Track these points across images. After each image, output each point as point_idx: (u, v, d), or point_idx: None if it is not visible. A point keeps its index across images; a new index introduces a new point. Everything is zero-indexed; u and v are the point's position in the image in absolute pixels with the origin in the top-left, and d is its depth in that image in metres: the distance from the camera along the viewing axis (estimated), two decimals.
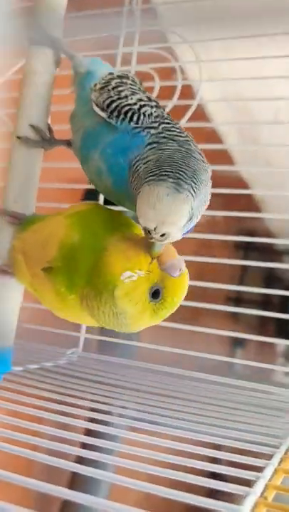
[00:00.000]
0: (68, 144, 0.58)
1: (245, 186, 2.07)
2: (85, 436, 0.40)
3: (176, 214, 0.40)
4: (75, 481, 1.17)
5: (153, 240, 0.41)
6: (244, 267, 2.47)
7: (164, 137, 0.45)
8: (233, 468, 0.35)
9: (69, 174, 0.80)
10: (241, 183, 2.03)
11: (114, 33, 0.77)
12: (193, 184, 0.41)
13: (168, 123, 0.48)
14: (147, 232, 0.41)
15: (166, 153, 0.43)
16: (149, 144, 0.45)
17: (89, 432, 0.45)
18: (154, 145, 0.45)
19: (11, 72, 0.78)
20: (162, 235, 0.41)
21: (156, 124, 0.47)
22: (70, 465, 0.34)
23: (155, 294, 0.43)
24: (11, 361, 0.58)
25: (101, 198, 0.73)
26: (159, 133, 0.46)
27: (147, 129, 0.47)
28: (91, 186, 0.78)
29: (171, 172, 0.41)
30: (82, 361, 0.70)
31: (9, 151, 0.58)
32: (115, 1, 0.78)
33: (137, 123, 0.47)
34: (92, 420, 0.46)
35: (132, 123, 0.47)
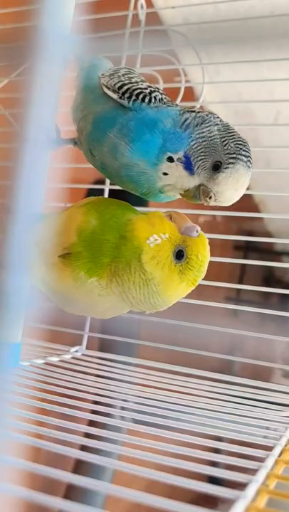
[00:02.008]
0: (74, 142, 0.59)
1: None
2: (89, 427, 0.41)
3: (241, 194, 0.48)
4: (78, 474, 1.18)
5: (198, 198, 0.48)
6: (243, 269, 2.48)
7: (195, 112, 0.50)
8: (235, 458, 0.36)
9: (71, 175, 0.82)
10: None
11: (119, 35, 0.78)
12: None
13: (192, 110, 0.51)
14: (203, 195, 0.47)
15: (223, 123, 0.48)
16: (184, 112, 0.49)
17: (92, 424, 0.46)
18: (191, 113, 0.49)
19: (16, 73, 0.79)
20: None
21: (173, 105, 0.50)
22: (74, 452, 0.35)
23: (179, 255, 0.45)
24: (19, 356, 0.60)
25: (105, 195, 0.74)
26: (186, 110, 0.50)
27: (169, 106, 0.50)
28: (93, 187, 0.80)
29: (247, 150, 0.46)
30: (86, 358, 0.71)
31: (16, 150, 0.59)
32: (120, 5, 0.79)
33: (148, 104, 0.49)
34: (95, 412, 0.48)
35: (143, 104, 0.49)
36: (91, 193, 0.79)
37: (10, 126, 0.79)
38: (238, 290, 2.25)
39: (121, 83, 0.51)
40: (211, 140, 0.47)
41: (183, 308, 0.66)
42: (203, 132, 0.47)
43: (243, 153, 0.46)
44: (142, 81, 0.52)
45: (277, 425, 0.47)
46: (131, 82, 0.51)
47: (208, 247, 0.46)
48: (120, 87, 0.50)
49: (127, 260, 0.44)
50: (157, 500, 0.27)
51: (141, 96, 0.50)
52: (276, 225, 2.39)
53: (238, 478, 0.32)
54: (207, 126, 0.48)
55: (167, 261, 0.44)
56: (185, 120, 0.48)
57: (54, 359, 0.67)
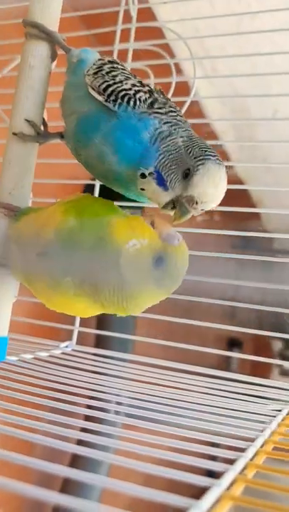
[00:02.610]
0: (61, 136, 0.59)
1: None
2: (83, 421, 0.41)
3: (224, 189, 0.48)
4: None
5: (186, 210, 0.47)
6: (240, 270, 2.47)
7: (173, 119, 0.50)
8: (215, 449, 0.36)
9: (67, 170, 0.82)
10: (239, 183, 2.05)
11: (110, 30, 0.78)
12: None
13: (170, 106, 0.52)
14: (186, 202, 0.47)
15: (188, 134, 0.49)
16: (165, 123, 0.49)
17: (87, 418, 0.46)
18: (173, 126, 0.50)
19: (9, 69, 0.79)
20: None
21: (162, 110, 0.50)
22: (69, 446, 0.35)
23: (159, 261, 0.44)
24: (6, 351, 0.60)
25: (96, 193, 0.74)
26: (169, 112, 0.51)
27: (147, 113, 0.50)
28: (89, 182, 0.80)
29: (212, 151, 0.47)
30: (76, 353, 0.71)
31: (6, 144, 0.59)
32: (112, 1, 0.79)
33: (133, 108, 0.50)
34: (91, 407, 0.48)
35: (129, 107, 0.49)
36: (88, 189, 0.79)
37: (2, 122, 0.79)
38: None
39: (106, 84, 0.51)
40: (176, 152, 0.48)
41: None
42: (169, 145, 0.48)
43: (209, 153, 0.47)
44: (127, 78, 0.52)
45: (263, 418, 0.47)
46: (115, 82, 0.51)
47: (187, 256, 0.46)
48: (105, 89, 0.50)
49: (103, 262, 0.44)
50: (153, 493, 0.27)
51: (126, 99, 0.50)
52: (274, 225, 2.38)
53: (215, 467, 0.32)
54: (172, 139, 0.48)
55: (144, 267, 0.44)
56: (155, 135, 0.49)
57: (43, 354, 0.66)
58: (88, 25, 0.93)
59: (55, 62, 0.62)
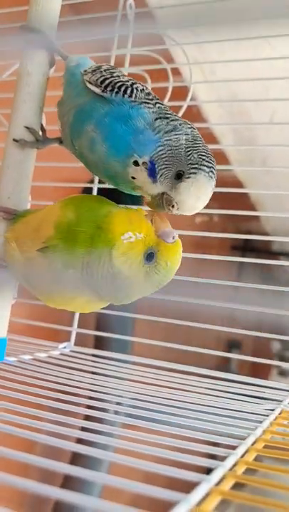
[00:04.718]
0: (60, 141, 0.60)
1: (241, 188, 2.09)
2: (82, 421, 0.42)
3: (205, 203, 0.49)
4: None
5: (161, 207, 0.48)
6: (240, 269, 2.48)
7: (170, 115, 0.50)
8: (208, 446, 0.37)
9: (65, 174, 0.83)
10: (238, 186, 2.06)
11: (107, 36, 0.79)
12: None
13: (161, 103, 0.52)
14: (165, 202, 0.48)
15: (193, 134, 0.49)
16: (159, 116, 0.49)
17: (85, 418, 0.47)
18: (177, 120, 0.49)
19: (7, 74, 0.80)
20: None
21: (152, 102, 0.51)
22: (69, 445, 0.36)
23: (149, 257, 0.45)
24: (4, 352, 0.61)
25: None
26: (161, 108, 0.51)
27: (144, 103, 0.50)
28: (87, 185, 0.81)
29: (210, 161, 0.48)
30: (74, 354, 0.72)
31: (4, 149, 0.60)
32: (109, 5, 0.80)
33: (130, 96, 0.50)
34: (89, 407, 0.49)
35: (126, 96, 0.50)
36: (86, 192, 0.80)
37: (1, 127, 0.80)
38: (236, 289, 2.25)
39: (103, 77, 0.52)
40: (176, 149, 0.48)
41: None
42: (171, 140, 0.48)
43: (206, 163, 0.47)
44: (124, 75, 0.54)
45: (256, 417, 0.48)
46: (113, 76, 0.52)
47: (180, 255, 0.47)
48: (102, 81, 0.51)
49: (98, 252, 0.45)
50: (144, 487, 0.28)
51: (123, 88, 0.50)
52: (273, 225, 2.39)
53: (206, 464, 0.33)
54: (176, 135, 0.48)
55: (136, 260, 0.45)
56: (158, 125, 0.49)
57: (42, 355, 0.67)
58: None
59: (53, 68, 0.63)
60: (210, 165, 0.47)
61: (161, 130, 0.48)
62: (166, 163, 0.47)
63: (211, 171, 0.47)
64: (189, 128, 0.49)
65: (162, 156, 0.48)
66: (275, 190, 1.99)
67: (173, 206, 0.48)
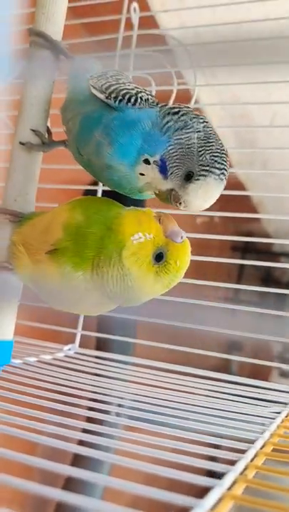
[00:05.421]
0: (65, 144, 0.60)
1: (243, 190, 2.09)
2: (86, 423, 0.42)
3: (212, 203, 0.49)
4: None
5: (168, 201, 0.49)
6: (241, 270, 2.49)
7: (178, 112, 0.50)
8: (217, 450, 0.37)
9: (64, 175, 0.83)
10: (239, 187, 2.06)
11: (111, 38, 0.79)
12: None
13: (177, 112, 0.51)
14: (173, 198, 0.49)
15: (206, 131, 0.48)
16: (167, 112, 0.50)
17: (89, 420, 0.47)
18: (174, 116, 0.49)
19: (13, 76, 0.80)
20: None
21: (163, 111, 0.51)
22: (73, 447, 0.36)
23: (159, 257, 0.46)
24: (11, 354, 0.61)
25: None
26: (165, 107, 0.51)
27: (156, 107, 0.51)
28: (91, 188, 0.81)
29: (223, 162, 0.47)
30: (79, 356, 0.72)
31: (11, 152, 0.61)
32: (114, 9, 0.80)
33: (134, 105, 0.50)
34: (91, 409, 0.49)
35: (129, 104, 0.50)
36: (88, 194, 0.80)
37: (7, 129, 0.80)
38: (236, 290, 2.25)
39: (108, 84, 0.52)
40: (188, 148, 0.47)
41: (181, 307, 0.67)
42: (182, 139, 0.48)
43: (217, 165, 0.47)
44: (130, 82, 0.54)
45: (263, 420, 0.48)
46: (118, 83, 0.52)
47: (189, 255, 0.47)
48: (107, 88, 0.52)
49: (108, 252, 0.45)
50: (158, 492, 0.28)
51: (127, 96, 0.51)
52: (274, 226, 2.39)
53: (217, 468, 0.33)
54: (187, 133, 0.48)
55: (146, 260, 0.45)
56: (166, 123, 0.49)
57: (47, 357, 0.68)
58: (91, 32, 0.94)
59: (59, 71, 0.63)
60: (222, 166, 0.47)
61: (171, 128, 0.48)
62: (177, 161, 0.48)
63: (222, 173, 0.47)
64: (202, 123, 0.49)
65: (173, 155, 0.48)
66: (277, 192, 1.99)
67: (180, 204, 0.49)
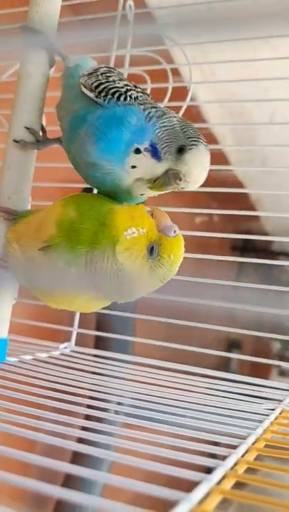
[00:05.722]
0: (60, 141, 0.60)
1: (241, 188, 2.09)
2: (83, 420, 0.42)
3: (206, 175, 0.52)
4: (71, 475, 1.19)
5: (168, 183, 0.51)
6: (240, 269, 2.49)
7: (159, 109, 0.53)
8: (209, 446, 0.37)
9: (62, 174, 0.83)
10: (238, 185, 2.06)
11: (107, 37, 0.79)
12: None
13: (156, 106, 0.53)
14: (172, 176, 0.50)
15: (180, 117, 0.53)
16: (146, 107, 0.52)
17: (86, 417, 0.47)
18: (153, 108, 0.52)
19: (8, 74, 0.80)
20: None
21: (145, 106, 0.52)
22: (70, 444, 0.36)
23: (152, 251, 0.46)
24: (5, 352, 0.61)
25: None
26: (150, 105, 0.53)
27: (142, 104, 0.52)
28: (87, 186, 0.81)
29: (203, 137, 0.51)
30: (75, 354, 0.72)
31: (5, 150, 0.60)
32: (109, 6, 0.80)
33: (123, 102, 0.51)
34: (89, 407, 0.49)
35: (119, 102, 0.51)
36: (85, 192, 0.80)
37: (1, 127, 0.80)
38: (236, 289, 2.25)
39: (98, 82, 0.52)
40: (172, 128, 0.51)
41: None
42: (165, 122, 0.51)
43: (201, 137, 0.51)
44: (120, 79, 0.54)
45: (257, 417, 0.48)
46: (108, 81, 0.52)
47: (182, 248, 0.47)
48: (97, 86, 0.52)
49: (102, 248, 0.45)
50: (146, 486, 0.28)
51: (116, 95, 0.51)
52: (273, 225, 2.39)
53: (207, 463, 0.33)
54: (168, 118, 0.51)
55: (140, 255, 0.45)
56: (148, 113, 0.51)
57: (42, 355, 0.68)
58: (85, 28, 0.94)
59: (53, 69, 0.63)
60: (204, 139, 0.51)
61: (153, 116, 0.51)
62: (167, 141, 0.50)
63: (206, 145, 0.51)
64: (174, 113, 0.53)
65: (162, 137, 0.50)
66: (275, 190, 2.00)
67: (180, 179, 0.50)
